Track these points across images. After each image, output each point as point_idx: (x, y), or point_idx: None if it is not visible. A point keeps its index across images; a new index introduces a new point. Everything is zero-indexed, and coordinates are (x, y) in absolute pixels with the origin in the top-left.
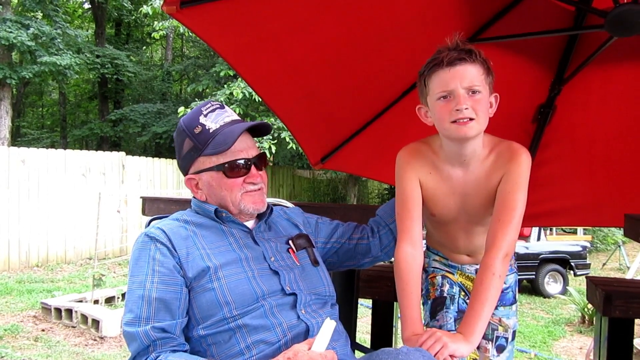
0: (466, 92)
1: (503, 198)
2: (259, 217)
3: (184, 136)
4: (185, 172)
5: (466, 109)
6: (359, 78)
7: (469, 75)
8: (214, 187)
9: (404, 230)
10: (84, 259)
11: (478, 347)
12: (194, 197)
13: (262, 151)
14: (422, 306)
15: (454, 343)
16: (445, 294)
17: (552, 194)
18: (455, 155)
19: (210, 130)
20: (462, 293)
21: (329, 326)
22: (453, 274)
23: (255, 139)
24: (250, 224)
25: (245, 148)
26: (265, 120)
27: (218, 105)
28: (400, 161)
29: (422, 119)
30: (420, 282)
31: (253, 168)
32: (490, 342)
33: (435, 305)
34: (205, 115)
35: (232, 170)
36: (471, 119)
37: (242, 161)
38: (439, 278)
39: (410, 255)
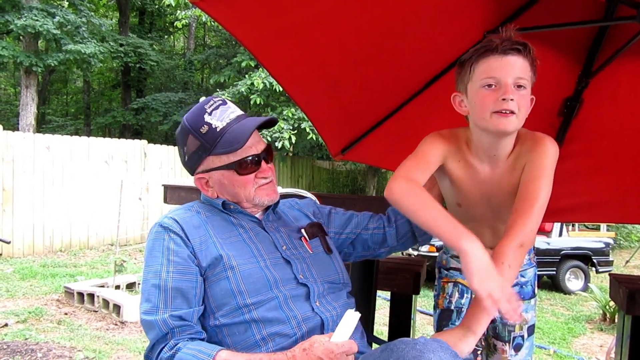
0: (513, 84)
1: (523, 187)
2: (267, 206)
3: (190, 136)
4: (192, 171)
5: (512, 100)
6: (381, 69)
7: (519, 68)
8: (226, 185)
9: (407, 172)
10: (106, 245)
11: (495, 350)
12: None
13: (267, 143)
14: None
15: (462, 341)
16: (452, 307)
17: (576, 189)
18: (485, 149)
19: (218, 129)
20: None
21: (352, 318)
22: None
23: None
24: (258, 214)
25: (254, 144)
26: (286, 110)
27: (221, 101)
28: (429, 138)
29: (456, 107)
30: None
31: (263, 163)
32: (507, 344)
33: (441, 320)
34: (210, 114)
35: (243, 168)
36: (513, 113)
37: (253, 158)
38: (450, 286)
39: (407, 184)
